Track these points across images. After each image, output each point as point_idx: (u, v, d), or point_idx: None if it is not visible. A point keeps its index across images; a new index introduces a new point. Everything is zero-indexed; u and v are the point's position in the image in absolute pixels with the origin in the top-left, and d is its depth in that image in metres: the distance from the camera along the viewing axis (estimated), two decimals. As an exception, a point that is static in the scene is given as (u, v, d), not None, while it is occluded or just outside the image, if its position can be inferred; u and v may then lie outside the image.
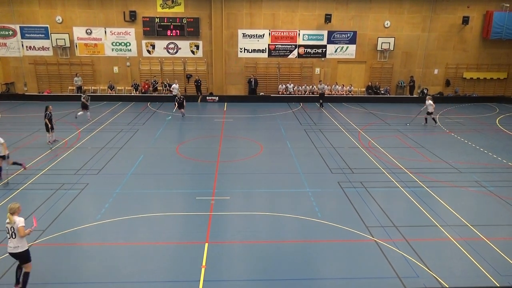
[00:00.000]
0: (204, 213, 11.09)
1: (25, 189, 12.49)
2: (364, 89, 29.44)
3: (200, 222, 10.59)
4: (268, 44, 28.32)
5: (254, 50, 28.40)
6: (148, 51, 28.14)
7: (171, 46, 28.08)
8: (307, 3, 27.49)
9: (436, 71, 29.47)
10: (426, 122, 21.52)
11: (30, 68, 28.06)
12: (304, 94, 28.57)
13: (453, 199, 12.28)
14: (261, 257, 9.09)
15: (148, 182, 13.39)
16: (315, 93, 28.20)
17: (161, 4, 27.24)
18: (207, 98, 27.72)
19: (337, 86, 28.73)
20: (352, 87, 28.98)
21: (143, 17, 27.25)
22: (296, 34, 28.18)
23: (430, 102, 21.02)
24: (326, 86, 27.38)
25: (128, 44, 27.87)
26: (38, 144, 17.15)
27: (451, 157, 16.24)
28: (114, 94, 27.61)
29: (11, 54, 27.71)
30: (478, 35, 28.65)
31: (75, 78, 27.53)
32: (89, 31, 27.50)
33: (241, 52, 28.41)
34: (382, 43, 27.95)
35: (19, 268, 7.81)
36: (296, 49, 28.46)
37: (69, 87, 28.20)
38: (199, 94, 28.12)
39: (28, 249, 7.72)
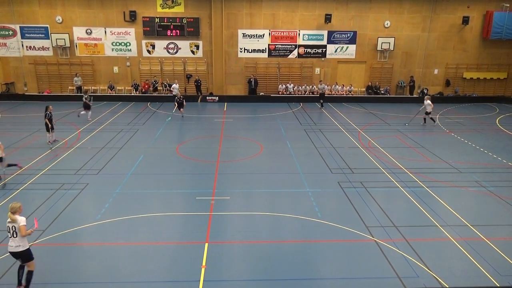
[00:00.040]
0: (204, 213, 11.09)
1: (25, 189, 12.49)
2: (364, 89, 29.44)
3: (200, 222, 10.59)
4: (268, 44, 28.32)
5: (254, 50, 28.40)
6: (148, 51, 28.14)
7: (171, 46, 28.08)
8: (307, 3, 27.49)
9: (436, 71, 29.47)
10: (425, 122, 21.51)
11: (30, 68, 28.07)
12: (304, 94, 28.57)
13: (453, 199, 12.28)
14: (261, 257, 9.09)
15: (148, 182, 13.39)
16: (315, 93, 28.21)
17: (161, 4, 27.25)
18: (207, 98, 27.73)
19: (337, 86, 28.73)
20: (352, 87, 28.99)
21: (143, 17, 27.25)
22: (296, 34, 28.18)
23: (429, 102, 21.02)
24: (326, 86, 27.38)
25: (128, 44, 27.88)
26: (38, 144, 17.15)
27: (451, 157, 16.24)
28: (114, 94, 27.62)
29: (11, 54, 27.72)
30: (478, 35, 28.65)
31: (75, 78, 27.54)
32: (89, 31, 27.51)
33: (241, 52, 28.41)
34: (382, 43, 27.96)
35: (20, 268, 7.79)
36: (296, 49, 28.47)
37: (69, 87, 28.21)
38: (199, 94, 28.12)
39: (29, 248, 7.73)
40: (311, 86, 28.77)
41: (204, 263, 8.77)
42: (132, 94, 27.82)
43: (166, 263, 8.83)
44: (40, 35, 27.39)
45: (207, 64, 28.55)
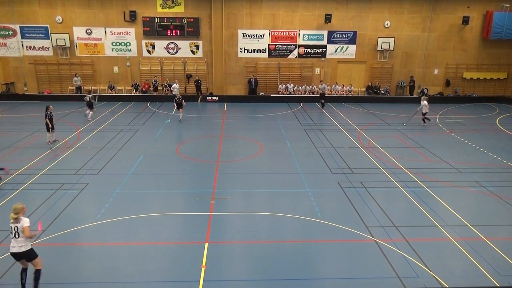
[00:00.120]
0: (204, 213, 11.09)
1: (25, 189, 12.48)
2: (364, 89, 29.44)
3: (200, 222, 10.59)
4: (268, 44, 28.32)
5: (254, 50, 28.40)
6: (148, 51, 28.14)
7: (171, 46, 28.08)
8: (307, 3, 27.49)
9: (436, 71, 29.47)
10: (425, 122, 21.51)
11: (30, 68, 28.06)
12: (304, 94, 28.57)
13: (453, 199, 12.28)
14: (261, 257, 9.09)
15: (148, 182, 13.39)
16: (315, 93, 28.21)
17: (161, 4, 27.25)
18: (207, 98, 27.73)
19: (337, 86, 28.73)
20: (352, 87, 28.98)
21: (143, 17, 27.25)
22: (296, 34, 28.18)
23: (425, 103, 21.03)
24: (326, 86, 27.38)
25: (128, 44, 27.88)
26: (38, 144, 17.15)
27: (451, 157, 16.24)
28: (114, 94, 27.62)
29: (11, 54, 27.71)
30: (478, 35, 28.65)
31: (74, 78, 27.53)
32: (89, 31, 27.50)
33: (241, 52, 28.41)
34: (382, 43, 27.95)
35: (23, 271, 7.71)
36: (296, 49, 28.46)
37: (69, 87, 28.20)
38: (199, 94, 28.12)
39: (32, 247, 7.69)
40: (311, 86, 28.77)
41: (204, 263, 8.77)
42: (132, 94, 27.82)
43: (166, 263, 8.83)
44: (40, 35, 27.39)
45: (207, 64, 28.55)
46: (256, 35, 28.09)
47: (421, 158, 16.18)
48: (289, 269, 8.62)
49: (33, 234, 7.62)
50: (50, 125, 16.84)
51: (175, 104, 21.69)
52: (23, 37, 27.39)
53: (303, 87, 28.73)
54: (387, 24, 28.16)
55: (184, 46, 28.10)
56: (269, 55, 28.52)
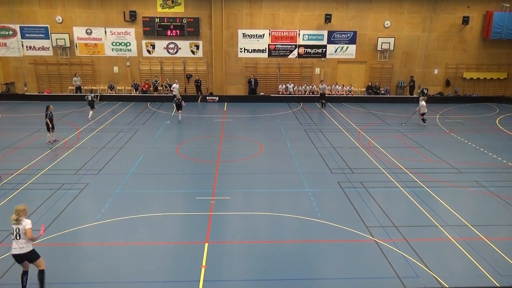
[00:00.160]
0: (204, 213, 11.09)
1: (25, 189, 12.48)
2: (364, 89, 29.44)
3: (200, 222, 10.59)
4: (268, 44, 28.32)
5: (254, 50, 28.40)
6: (148, 51, 28.14)
7: (171, 46, 28.08)
8: (307, 3, 27.49)
9: (436, 71, 29.47)
10: (424, 122, 21.50)
11: (30, 68, 28.06)
12: (304, 94, 28.57)
13: (453, 199, 12.28)
14: (261, 257, 9.09)
15: (148, 182, 13.39)
16: (315, 93, 28.21)
17: (161, 4, 27.25)
18: (207, 98, 27.73)
19: (337, 86, 28.72)
20: (352, 87, 28.98)
21: (143, 17, 27.25)
22: (296, 34, 28.18)
23: (423, 103, 21.03)
24: (327, 86, 27.38)
25: (128, 44, 27.88)
26: (38, 144, 17.15)
27: (451, 157, 16.24)
28: (114, 94, 27.62)
29: (11, 54, 27.71)
30: (478, 35, 28.65)
31: (74, 78, 27.52)
32: (89, 31, 27.51)
33: (241, 52, 28.41)
34: (382, 43, 27.96)
35: (24, 274, 7.68)
36: (296, 49, 28.46)
37: (69, 87, 28.18)
38: (199, 94, 28.12)
39: (33, 248, 7.66)
40: (311, 86, 28.77)
41: (204, 263, 8.77)
42: (132, 94, 27.82)
43: (166, 263, 8.83)
44: (40, 35, 27.38)
45: (207, 64, 28.55)
46: (256, 35, 28.09)
47: (421, 158, 16.18)
48: (289, 269, 8.62)
49: (35, 236, 7.55)
50: (50, 125, 16.85)
51: (174, 105, 21.67)
52: (23, 37, 27.39)
53: (303, 87, 28.73)
54: (387, 24, 28.16)
55: (184, 46, 28.10)
56: (269, 55, 28.52)
